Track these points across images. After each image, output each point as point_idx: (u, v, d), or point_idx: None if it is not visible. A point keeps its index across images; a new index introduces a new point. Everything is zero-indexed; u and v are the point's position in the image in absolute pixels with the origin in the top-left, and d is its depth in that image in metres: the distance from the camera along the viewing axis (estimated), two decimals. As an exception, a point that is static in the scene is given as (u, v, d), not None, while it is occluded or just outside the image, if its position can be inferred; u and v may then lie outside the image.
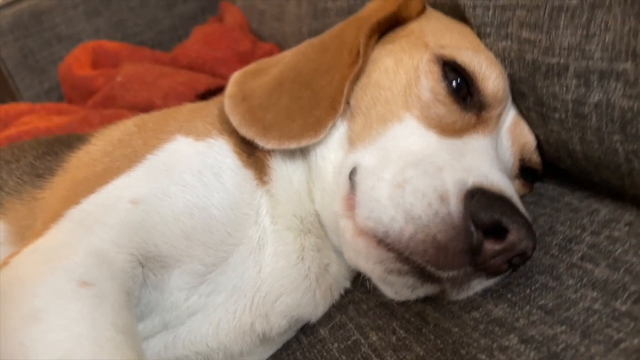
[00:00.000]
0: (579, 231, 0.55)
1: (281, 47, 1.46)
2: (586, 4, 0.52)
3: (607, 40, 0.50)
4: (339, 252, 0.66)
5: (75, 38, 2.09)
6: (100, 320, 0.46)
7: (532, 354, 0.43)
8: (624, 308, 0.44)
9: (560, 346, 0.43)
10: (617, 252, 0.50)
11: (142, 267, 0.55)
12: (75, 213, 0.56)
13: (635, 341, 0.40)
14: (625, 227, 0.52)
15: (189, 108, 0.76)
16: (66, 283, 0.47)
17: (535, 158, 0.65)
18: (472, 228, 0.48)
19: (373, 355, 0.51)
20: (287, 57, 0.75)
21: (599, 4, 0.50)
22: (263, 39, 1.60)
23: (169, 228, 0.57)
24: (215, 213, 0.60)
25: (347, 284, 0.68)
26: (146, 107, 1.41)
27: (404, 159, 0.56)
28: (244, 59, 1.48)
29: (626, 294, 0.45)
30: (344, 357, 0.53)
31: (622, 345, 0.41)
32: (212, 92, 1.41)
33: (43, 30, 2.05)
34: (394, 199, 0.52)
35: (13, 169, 0.76)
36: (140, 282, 0.54)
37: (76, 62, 1.85)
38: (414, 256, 0.51)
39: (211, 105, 0.75)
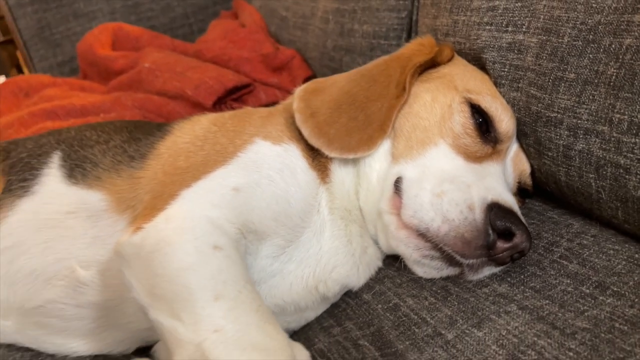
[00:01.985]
0: (558, 238, 0.78)
1: (302, 54, 1.63)
2: (580, 79, 0.73)
3: (592, 108, 0.72)
4: (374, 239, 0.86)
5: (91, 16, 2.19)
6: (234, 272, 0.64)
7: (527, 316, 0.65)
8: (587, 291, 0.67)
9: (546, 312, 0.65)
10: (584, 255, 0.73)
11: (245, 238, 0.73)
12: (189, 194, 0.74)
13: (594, 311, 0.63)
14: (591, 238, 0.76)
15: (258, 115, 0.93)
16: (205, 245, 0.66)
17: (529, 181, 0.88)
18: (490, 231, 0.70)
19: (411, 314, 0.72)
20: (340, 81, 0.93)
21: (590, 82, 0.72)
22: (281, 43, 1.77)
23: (262, 211, 0.75)
24: (292, 202, 0.79)
25: (380, 264, 0.88)
26: (176, 96, 1.56)
27: (440, 176, 0.77)
28: (266, 61, 1.65)
29: (589, 282, 0.68)
30: (388, 314, 0.74)
31: (586, 314, 0.63)
32: (238, 89, 1.58)
33: (61, 6, 2.15)
34: (434, 205, 0.73)
35: (105, 149, 0.91)
36: (245, 250, 0.73)
37: (97, 41, 1.94)
38: (446, 247, 0.72)
39: (276, 114, 0.92)
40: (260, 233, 0.75)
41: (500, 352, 0.61)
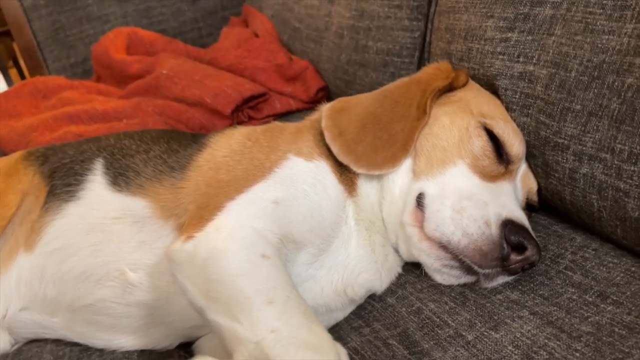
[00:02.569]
0: (563, 251, 0.87)
1: (315, 65, 1.71)
2: (586, 111, 0.82)
3: (596, 137, 0.81)
4: (395, 248, 0.95)
5: (104, 19, 2.25)
6: (281, 279, 0.72)
7: (537, 321, 0.75)
8: (590, 299, 0.76)
9: (554, 317, 0.75)
10: (587, 267, 0.82)
11: (285, 247, 0.82)
12: (234, 206, 0.81)
13: (597, 318, 0.73)
14: (592, 251, 0.86)
15: (288, 131, 1.00)
16: (254, 254, 0.74)
17: (535, 198, 0.97)
18: (505, 245, 0.79)
19: (434, 317, 0.81)
20: (364, 102, 1.01)
21: (594, 114, 0.81)
22: (294, 53, 1.84)
23: (300, 224, 0.83)
24: (325, 215, 0.87)
25: (400, 270, 0.97)
26: (195, 103, 1.63)
27: (459, 193, 0.85)
28: (280, 71, 1.73)
29: (592, 291, 0.78)
30: (412, 317, 0.83)
31: (589, 319, 0.73)
32: (254, 97, 1.65)
33: (76, 9, 2.20)
34: (454, 220, 0.82)
35: (145, 159, 0.97)
36: (285, 258, 0.82)
37: (112, 45, 2.00)
38: (465, 258, 0.81)
39: (304, 131, 0.99)
40: (298, 243, 0.83)
41: (516, 352, 0.70)
